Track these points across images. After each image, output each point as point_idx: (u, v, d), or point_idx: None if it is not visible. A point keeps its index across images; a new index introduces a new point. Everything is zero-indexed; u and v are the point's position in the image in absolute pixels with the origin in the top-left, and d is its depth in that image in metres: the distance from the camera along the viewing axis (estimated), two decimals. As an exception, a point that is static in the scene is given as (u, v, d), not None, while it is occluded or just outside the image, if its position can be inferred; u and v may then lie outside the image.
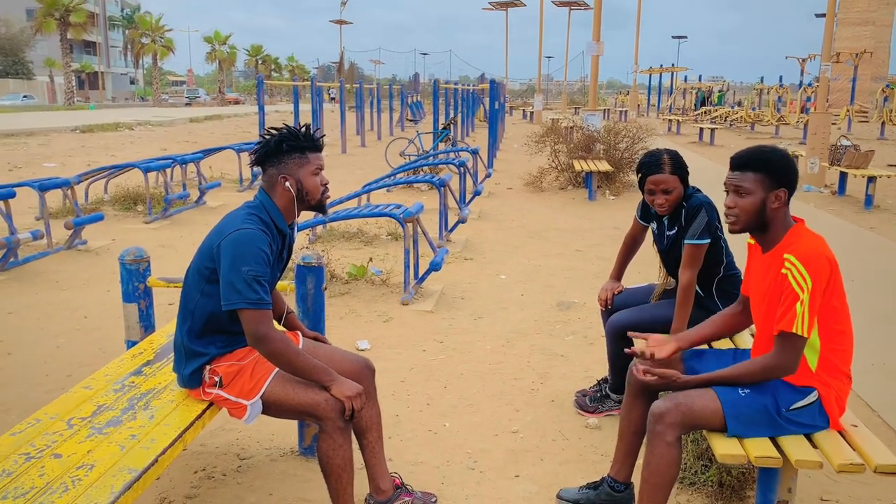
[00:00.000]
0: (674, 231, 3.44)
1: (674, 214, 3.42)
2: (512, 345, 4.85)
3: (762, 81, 41.29)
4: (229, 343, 2.63)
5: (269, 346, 2.45)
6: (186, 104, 60.24)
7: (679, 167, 3.34)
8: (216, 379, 2.58)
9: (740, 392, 2.42)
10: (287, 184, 2.62)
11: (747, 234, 2.56)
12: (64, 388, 3.80)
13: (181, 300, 2.68)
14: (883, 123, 26.13)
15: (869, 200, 10.54)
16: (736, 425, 2.39)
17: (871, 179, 10.52)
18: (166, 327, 3.30)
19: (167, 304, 5.28)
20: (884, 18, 43.25)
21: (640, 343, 2.84)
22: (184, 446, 2.39)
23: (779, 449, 2.38)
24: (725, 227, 2.76)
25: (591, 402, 3.79)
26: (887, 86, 31.50)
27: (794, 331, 2.31)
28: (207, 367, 2.60)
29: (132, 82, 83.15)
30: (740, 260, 3.61)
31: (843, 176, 11.58)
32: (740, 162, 2.51)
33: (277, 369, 2.55)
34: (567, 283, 6.44)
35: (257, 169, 2.71)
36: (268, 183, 2.65)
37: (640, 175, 3.40)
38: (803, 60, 40.84)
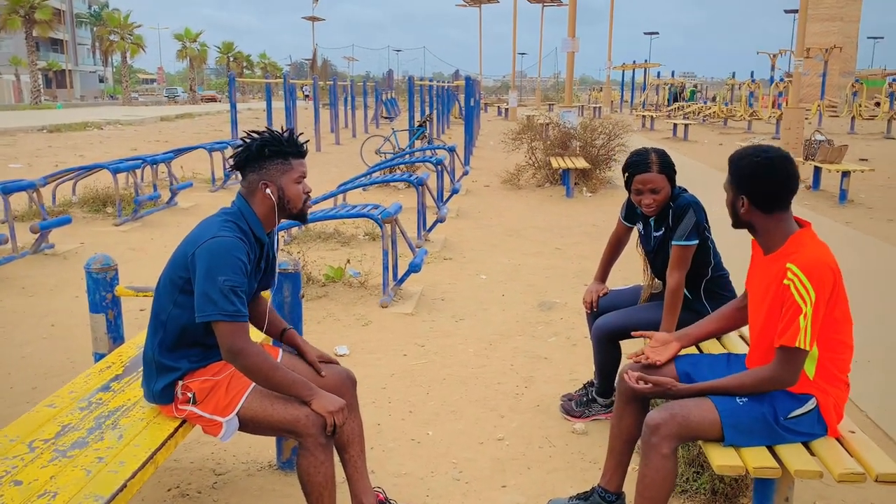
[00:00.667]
0: (661, 232, 3.35)
1: (661, 215, 3.33)
2: (494, 347, 4.75)
3: (734, 77, 41.69)
4: (203, 357, 2.49)
5: (246, 361, 2.32)
6: (174, 100, 59.15)
7: (667, 166, 3.25)
8: (189, 395, 2.44)
9: (738, 401, 2.34)
10: (268, 191, 2.49)
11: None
12: (29, 402, 3.64)
13: (152, 311, 2.54)
14: (853, 118, 26.44)
15: (843, 195, 10.61)
16: (734, 435, 2.31)
17: (846, 174, 10.59)
18: (136, 338, 3.15)
19: (138, 311, 5.12)
20: (851, 14, 43.96)
21: (642, 344, 2.76)
22: (155, 468, 2.25)
23: (776, 458, 2.31)
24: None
25: (578, 406, 3.70)
26: (856, 80, 31.94)
27: (797, 345, 2.23)
28: (180, 383, 2.47)
29: (101, 80, 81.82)
30: (730, 260, 3.55)
31: (818, 171, 11.64)
32: (728, 159, 2.47)
33: (255, 384, 2.43)
34: (548, 282, 6.36)
35: (231, 171, 2.58)
36: (247, 189, 2.52)
37: (626, 175, 3.31)
38: (774, 56, 41.26)
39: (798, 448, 2.34)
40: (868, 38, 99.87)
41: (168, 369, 2.46)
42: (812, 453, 2.35)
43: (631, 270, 4.87)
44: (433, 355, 4.61)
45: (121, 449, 2.23)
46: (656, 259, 3.42)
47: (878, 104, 32.54)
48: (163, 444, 2.29)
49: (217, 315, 2.29)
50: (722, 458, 2.28)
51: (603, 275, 3.79)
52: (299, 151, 2.55)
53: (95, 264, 3.05)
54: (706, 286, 3.36)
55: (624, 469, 2.78)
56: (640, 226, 3.52)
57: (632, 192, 3.31)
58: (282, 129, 2.63)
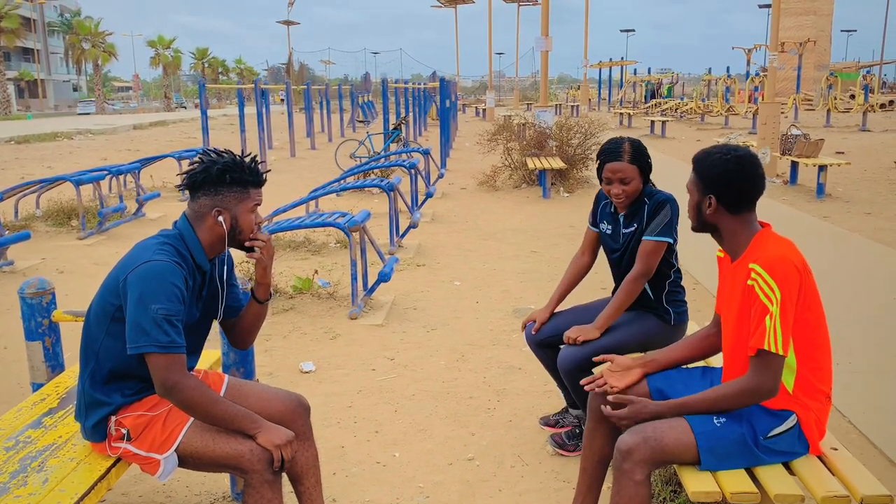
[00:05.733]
0: (632, 229, 3.15)
1: (633, 210, 3.15)
2: (466, 359, 4.58)
3: (710, 72, 41.82)
4: (138, 390, 2.30)
5: (182, 396, 2.13)
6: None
7: (639, 156, 3.08)
8: (123, 431, 2.25)
9: (715, 422, 2.18)
10: (220, 218, 2.30)
11: (718, 248, 2.36)
12: (-30, 435, 3.42)
13: (82, 340, 2.35)
14: (828, 111, 26.58)
15: (821, 189, 10.56)
16: (710, 459, 2.15)
17: (822, 168, 10.54)
18: (76, 366, 2.94)
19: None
20: (824, 8, 44.28)
21: (601, 368, 2.59)
22: (84, 514, 2.06)
23: (755, 481, 2.16)
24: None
25: (570, 439, 3.37)
26: (831, 74, 32.16)
27: (766, 348, 2.08)
28: (113, 418, 2.28)
29: (75, 89, 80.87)
30: (712, 273, 3.41)
31: (795, 165, 11.60)
32: (693, 159, 2.34)
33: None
34: (523, 287, 6.20)
35: (181, 189, 2.38)
36: (195, 213, 2.32)
37: (599, 162, 3.15)
38: (749, 51, 41.48)
39: (778, 469, 2.19)
40: (841, 31, 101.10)
41: (100, 404, 2.27)
42: (793, 473, 2.20)
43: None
44: (403, 369, 4.43)
45: (44, 495, 2.04)
46: (622, 260, 3.21)
47: (852, 97, 32.77)
48: (91, 488, 2.09)
49: (150, 346, 2.11)
50: (697, 484, 2.13)
51: (555, 304, 3.39)
52: (259, 181, 2.36)
53: (30, 288, 2.85)
54: (669, 289, 3.20)
55: (596, 492, 2.63)
56: (605, 227, 3.28)
57: (602, 182, 3.14)
58: (242, 154, 2.44)
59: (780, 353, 2.10)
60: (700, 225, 2.36)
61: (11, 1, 49.25)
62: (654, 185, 3.18)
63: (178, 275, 2.20)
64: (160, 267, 2.18)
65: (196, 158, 2.36)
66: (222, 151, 2.36)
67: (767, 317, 2.09)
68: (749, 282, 2.14)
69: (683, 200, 3.17)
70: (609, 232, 3.27)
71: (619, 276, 3.25)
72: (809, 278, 2.17)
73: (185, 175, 2.34)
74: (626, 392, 2.44)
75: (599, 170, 3.15)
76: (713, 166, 2.26)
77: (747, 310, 2.18)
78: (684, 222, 3.17)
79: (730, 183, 2.23)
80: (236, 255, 2.61)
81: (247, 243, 2.39)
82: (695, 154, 2.37)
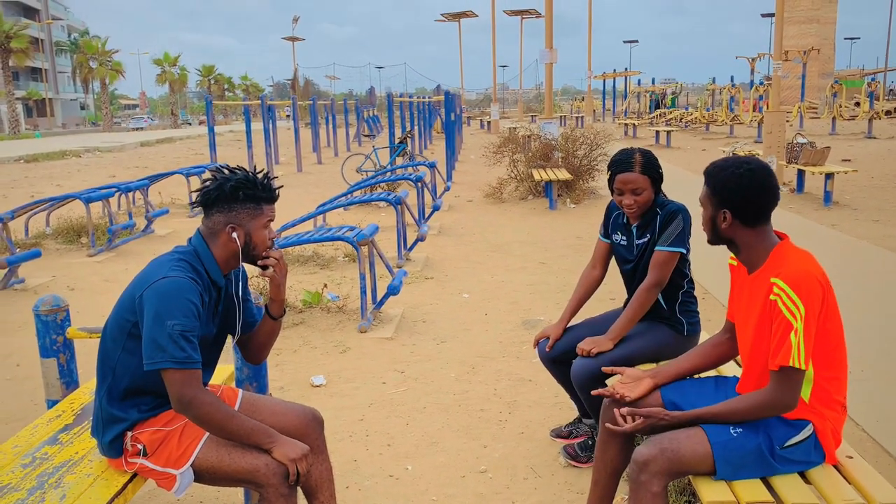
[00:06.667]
0: (645, 239, 3.16)
1: (645, 221, 3.16)
2: (477, 371, 4.59)
3: (714, 82, 41.88)
4: (154, 406, 2.32)
5: (198, 411, 2.14)
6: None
7: (651, 167, 3.09)
8: (139, 447, 2.27)
9: (732, 432, 2.18)
10: (234, 234, 2.32)
11: (731, 255, 2.36)
12: (-16, 452, 3.44)
13: (99, 357, 2.36)
14: (834, 119, 26.55)
15: (828, 197, 10.54)
16: (726, 468, 2.15)
17: (829, 176, 10.53)
18: (91, 382, 2.97)
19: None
20: (827, 16, 44.35)
21: (612, 380, 2.59)
22: (101, 530, 2.07)
23: (771, 490, 2.15)
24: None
25: (583, 451, 3.37)
26: (836, 81, 32.15)
27: (791, 364, 2.08)
28: (129, 434, 2.29)
29: (83, 108, 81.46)
30: (723, 282, 3.41)
31: (801, 173, 11.59)
32: (704, 172, 2.33)
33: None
34: (532, 299, 6.21)
35: (194, 206, 2.40)
36: (210, 229, 2.34)
37: (609, 173, 3.16)
38: (753, 60, 41.54)
39: (794, 478, 2.19)
40: (845, 38, 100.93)
41: (116, 420, 2.29)
42: (808, 482, 2.20)
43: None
44: (413, 382, 4.44)
45: (62, 511, 2.05)
46: (636, 272, 3.22)
47: (857, 104, 32.75)
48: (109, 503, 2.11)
49: (166, 362, 2.12)
50: (713, 494, 2.12)
51: (567, 319, 3.36)
52: (272, 197, 2.39)
53: (44, 306, 2.87)
54: (683, 300, 3.20)
55: (609, 503, 2.62)
56: (619, 237, 3.28)
57: (614, 193, 3.16)
58: (255, 170, 2.46)
59: (804, 367, 2.10)
60: (716, 238, 2.34)
61: (20, 21, 49.77)
62: (665, 195, 3.19)
63: (194, 291, 2.22)
64: (176, 283, 2.20)
65: (209, 175, 2.38)
66: (235, 168, 2.38)
67: (792, 333, 2.08)
68: (772, 297, 2.13)
69: (693, 210, 3.19)
70: (624, 243, 3.26)
71: (631, 288, 3.25)
72: (830, 290, 2.17)
73: (198, 192, 2.37)
74: (639, 404, 2.44)
75: (611, 181, 3.16)
76: (727, 180, 2.24)
77: (767, 323, 2.17)
78: (695, 232, 3.18)
79: (744, 197, 2.21)
80: (248, 270, 2.63)
81: (259, 262, 2.41)
82: (707, 167, 2.35)
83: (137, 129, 59.69)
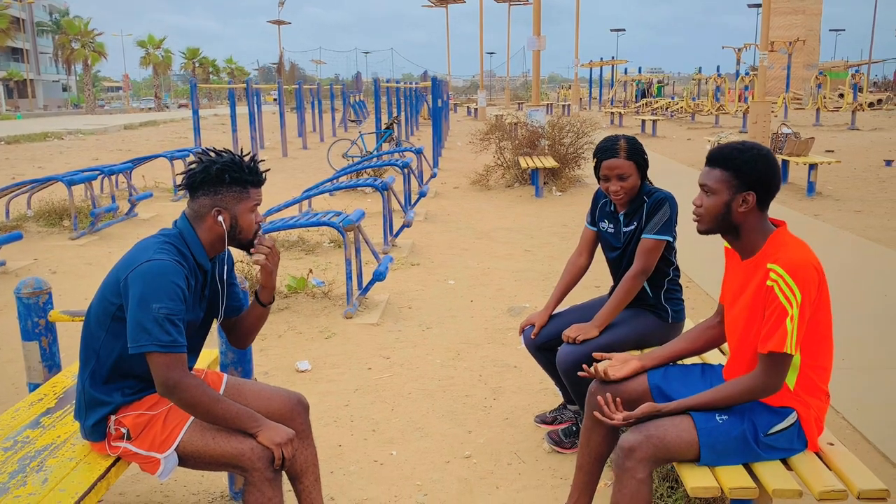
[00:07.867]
0: (632, 227, 3.16)
1: (632, 209, 3.16)
2: (462, 357, 4.59)
3: (700, 71, 41.99)
4: (138, 389, 2.30)
5: (183, 395, 2.13)
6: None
7: (636, 153, 3.09)
8: (123, 431, 2.25)
9: (717, 419, 2.19)
10: (220, 218, 2.30)
11: (723, 238, 2.36)
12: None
13: (82, 339, 2.34)
14: (818, 110, 26.71)
15: (811, 187, 10.62)
16: (710, 454, 2.16)
17: (813, 167, 10.60)
18: (73, 366, 2.94)
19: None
20: (813, 7, 44.48)
21: (600, 364, 2.59)
22: (85, 513, 2.06)
23: (754, 476, 2.17)
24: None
25: (567, 437, 3.39)
26: (820, 73, 32.33)
27: (785, 350, 2.09)
28: (112, 418, 2.27)
29: (65, 89, 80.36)
30: (716, 266, 3.43)
31: (785, 164, 11.64)
32: (711, 157, 2.29)
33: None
34: (517, 286, 6.22)
35: (180, 189, 2.38)
36: (195, 212, 2.32)
37: (595, 160, 3.16)
38: (739, 50, 41.65)
39: (776, 465, 2.21)
40: (830, 30, 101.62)
41: (99, 403, 2.27)
42: (790, 469, 2.22)
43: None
44: (399, 367, 4.44)
45: (44, 495, 2.03)
46: (623, 260, 3.23)
47: (841, 95, 32.98)
48: (91, 488, 2.09)
49: (151, 346, 2.11)
50: (696, 480, 2.14)
51: (553, 306, 3.37)
52: (258, 180, 2.36)
53: (26, 288, 2.83)
54: (668, 286, 3.21)
55: (592, 488, 2.64)
56: (605, 225, 3.29)
57: (600, 180, 3.16)
58: (241, 152, 2.44)
59: (795, 353, 2.12)
60: (721, 225, 2.28)
61: (1, 2, 48.96)
62: (651, 183, 3.20)
63: (180, 274, 2.20)
64: (161, 266, 2.17)
65: (195, 158, 2.35)
66: (221, 151, 2.36)
67: (788, 319, 2.09)
68: (768, 282, 2.13)
69: (680, 198, 3.20)
70: (611, 231, 3.26)
71: (618, 275, 3.26)
72: (824, 279, 2.19)
73: (184, 174, 2.34)
74: (624, 386, 2.46)
75: (597, 168, 3.16)
76: (751, 162, 2.21)
77: (761, 308, 2.18)
78: (682, 221, 3.19)
79: (768, 179, 2.21)
80: (234, 255, 2.61)
81: (252, 251, 2.39)
82: (715, 153, 2.29)
83: (147, 108, 61.77)
